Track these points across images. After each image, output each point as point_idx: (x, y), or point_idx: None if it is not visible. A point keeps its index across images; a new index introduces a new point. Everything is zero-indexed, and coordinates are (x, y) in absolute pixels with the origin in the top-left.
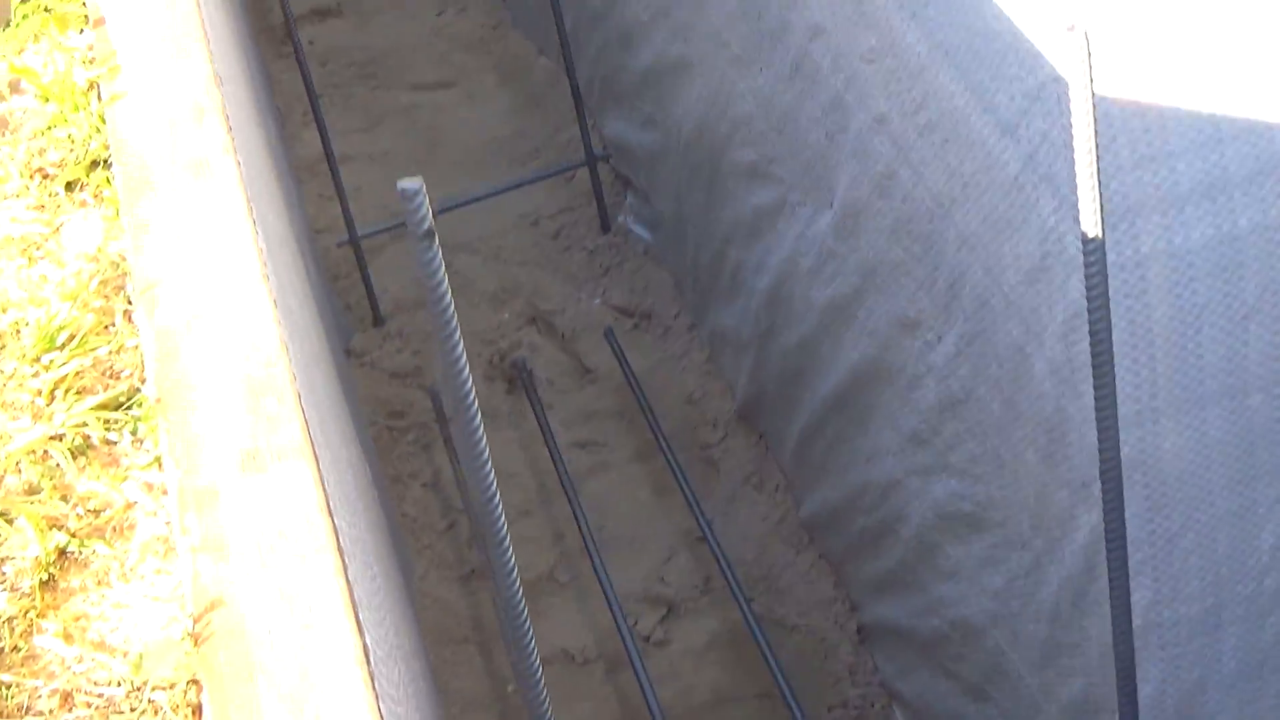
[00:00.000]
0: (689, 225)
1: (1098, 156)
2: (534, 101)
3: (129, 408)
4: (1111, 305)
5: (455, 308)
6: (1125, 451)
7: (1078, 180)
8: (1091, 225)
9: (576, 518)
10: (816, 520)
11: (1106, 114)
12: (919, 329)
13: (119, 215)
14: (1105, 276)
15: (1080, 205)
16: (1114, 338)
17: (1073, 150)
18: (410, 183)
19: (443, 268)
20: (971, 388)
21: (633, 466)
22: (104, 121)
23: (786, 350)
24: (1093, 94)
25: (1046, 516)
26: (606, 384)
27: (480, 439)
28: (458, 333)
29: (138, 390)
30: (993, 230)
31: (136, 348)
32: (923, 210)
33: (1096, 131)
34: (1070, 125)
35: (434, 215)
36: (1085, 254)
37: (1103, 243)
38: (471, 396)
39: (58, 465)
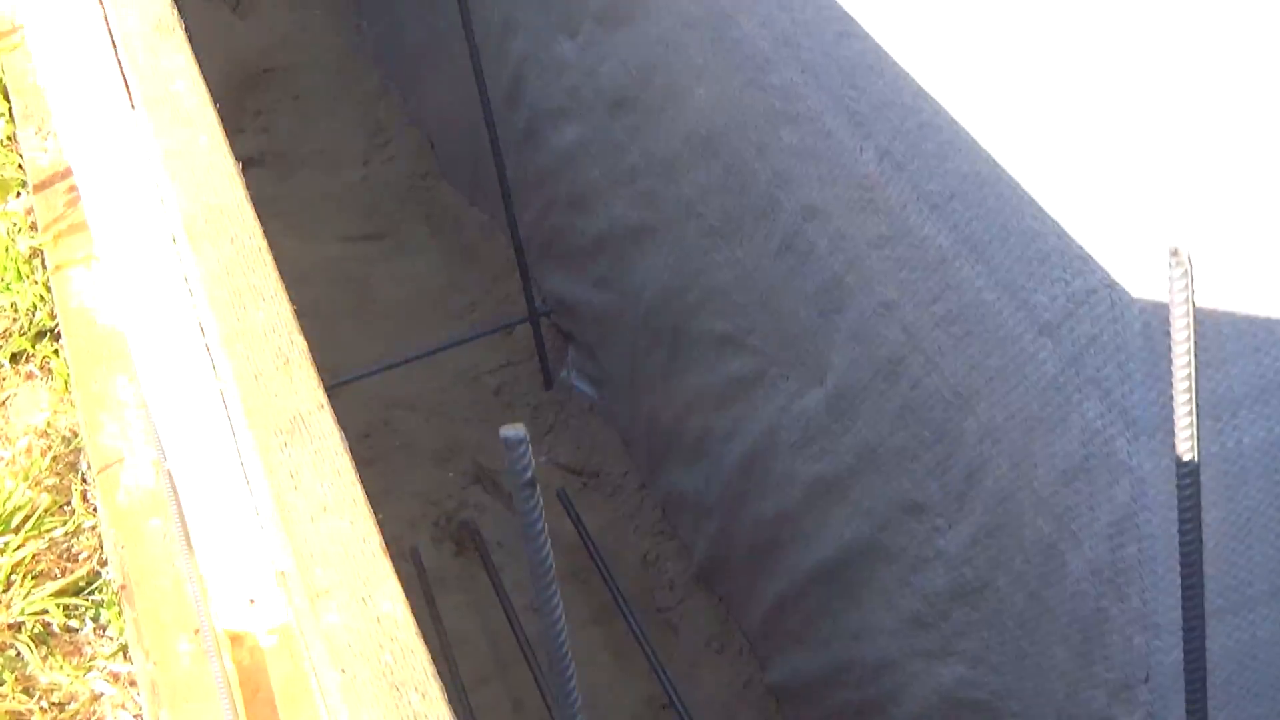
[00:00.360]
0: (644, 387)
1: (1196, 384)
2: (468, 254)
3: (90, 593)
4: (1159, 511)
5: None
6: (1173, 656)
7: (1176, 407)
8: (1187, 450)
9: (538, 684)
10: (787, 688)
11: (1163, 322)
12: (925, 513)
13: (69, 389)
14: (1199, 500)
15: (1177, 431)
16: (1163, 540)
17: (1125, 355)
18: (513, 431)
19: (543, 517)
20: (990, 578)
21: (591, 630)
22: (49, 290)
23: (760, 519)
24: (1194, 319)
25: (1079, 715)
26: (558, 544)
27: (573, 690)
28: (553, 575)
29: (98, 574)
30: (1022, 427)
31: (94, 528)
32: (936, 399)
33: (1196, 356)
34: (1123, 330)
35: (371, 375)
36: (1180, 477)
37: (1198, 467)
38: (567, 655)
39: (19, 655)
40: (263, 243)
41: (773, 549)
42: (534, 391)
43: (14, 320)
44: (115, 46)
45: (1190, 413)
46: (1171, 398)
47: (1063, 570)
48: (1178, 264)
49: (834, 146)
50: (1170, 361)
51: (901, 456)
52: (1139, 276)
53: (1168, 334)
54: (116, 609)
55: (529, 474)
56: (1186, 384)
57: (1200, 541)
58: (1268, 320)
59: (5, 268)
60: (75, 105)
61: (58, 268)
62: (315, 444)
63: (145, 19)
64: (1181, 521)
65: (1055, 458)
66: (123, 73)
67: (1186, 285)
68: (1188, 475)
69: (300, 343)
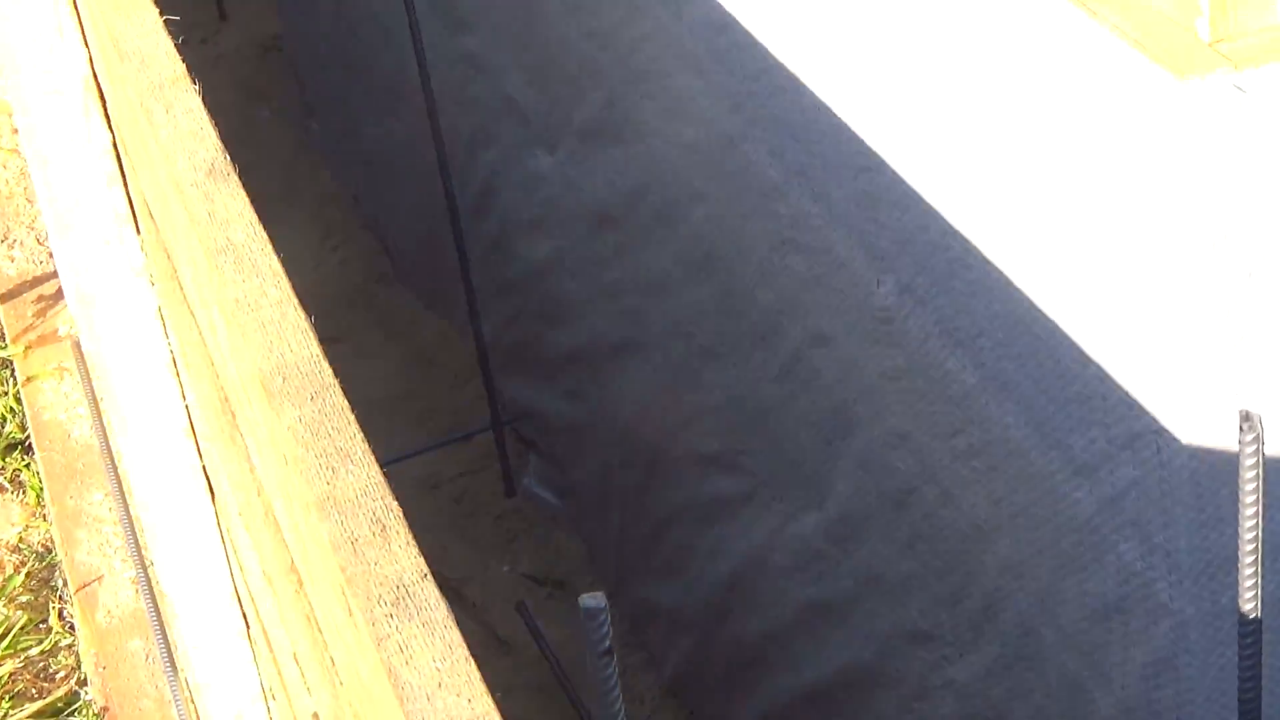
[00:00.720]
0: (616, 499)
1: (1261, 537)
2: (425, 359)
3: (69, 714)
4: (1200, 655)
5: None
6: None
7: (1241, 566)
8: (1251, 608)
9: None
10: None
11: (1212, 468)
12: (933, 642)
13: (41, 503)
14: (1260, 654)
15: (1240, 590)
16: (1203, 684)
17: (1170, 500)
18: (593, 600)
19: (619, 685)
20: (1006, 710)
21: None
22: (19, 403)
23: (744, 638)
24: (1263, 481)
25: None
26: (523, 656)
27: None
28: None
29: (77, 695)
30: (1050, 564)
31: (72, 647)
32: (951, 530)
33: (1264, 516)
34: (1169, 476)
35: None
36: (1241, 634)
37: (1259, 622)
38: None
39: None
40: (344, 401)
41: (757, 668)
42: (496, 500)
43: None
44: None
45: (1255, 571)
46: (1218, 544)
47: (1090, 707)
48: (1249, 429)
49: (848, 277)
50: (1216, 507)
51: (909, 585)
52: (1188, 423)
53: (1218, 481)
54: None
55: (607, 643)
56: (1253, 544)
57: (1260, 698)
58: None
59: None
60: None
61: (29, 379)
62: (423, 615)
63: (197, 164)
64: (1242, 680)
65: (1086, 596)
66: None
67: (1257, 449)
68: (1250, 632)
69: (395, 508)
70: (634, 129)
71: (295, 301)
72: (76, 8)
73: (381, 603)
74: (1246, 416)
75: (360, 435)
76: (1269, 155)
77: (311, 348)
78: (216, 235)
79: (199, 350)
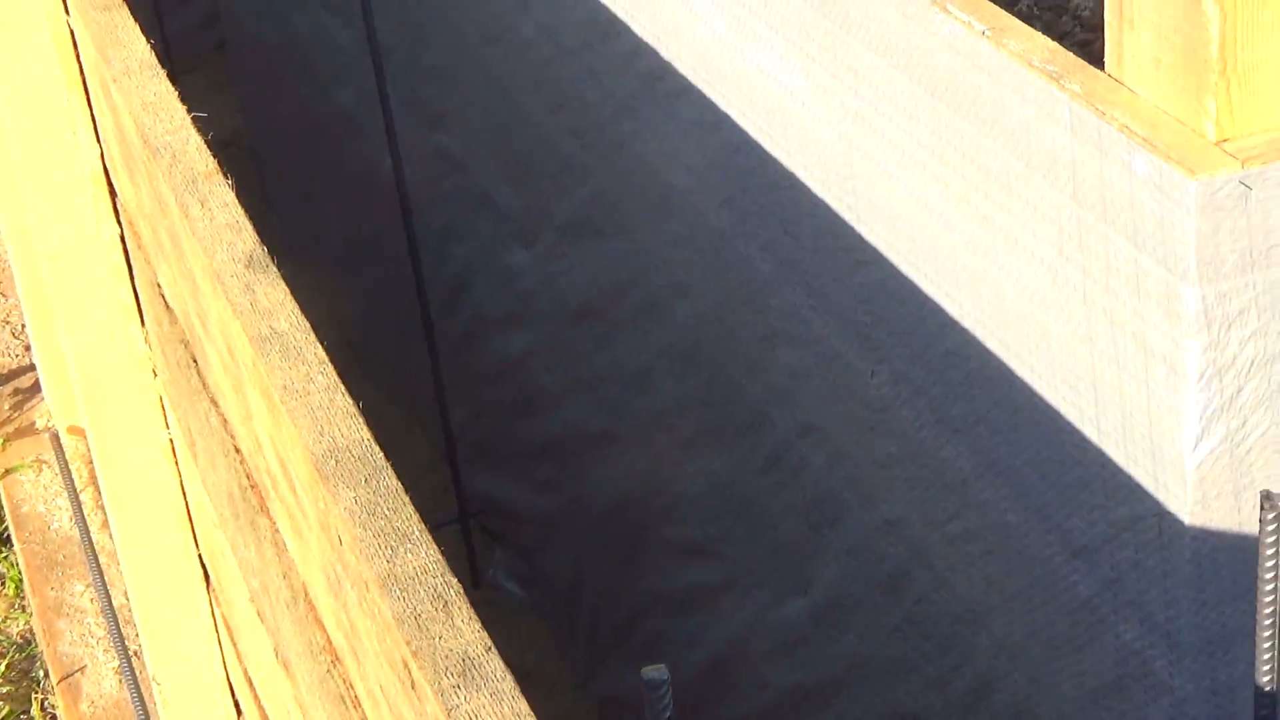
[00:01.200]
0: (588, 590)
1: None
2: (386, 452)
3: None
4: None
5: None
6: None
7: (1259, 641)
8: (1269, 679)
9: None
10: None
11: (1214, 550)
12: None
13: (20, 594)
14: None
15: (1257, 664)
16: None
17: (1171, 581)
18: (655, 673)
19: None
20: None
21: None
22: None
23: None
24: None
25: None
26: None
27: None
28: None
29: None
30: (1046, 646)
31: None
32: (943, 614)
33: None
34: (1171, 557)
35: None
36: (1257, 707)
37: (1276, 695)
38: None
39: None
40: (398, 484)
41: None
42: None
43: None
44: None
45: (1274, 645)
46: (1218, 623)
47: None
48: (1271, 507)
49: (840, 368)
50: (1218, 587)
51: (898, 668)
52: (1190, 507)
53: (1218, 563)
54: None
55: (668, 714)
56: (1271, 620)
57: None
58: None
59: None
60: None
61: (6, 472)
62: (490, 686)
63: (236, 256)
64: None
65: (1084, 675)
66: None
67: (1278, 527)
68: (1265, 704)
69: (455, 584)
70: (618, 224)
71: (343, 388)
72: (90, 106)
73: (449, 674)
74: (1268, 495)
75: (417, 517)
76: (1271, 247)
77: (362, 431)
78: (260, 324)
79: (216, 438)
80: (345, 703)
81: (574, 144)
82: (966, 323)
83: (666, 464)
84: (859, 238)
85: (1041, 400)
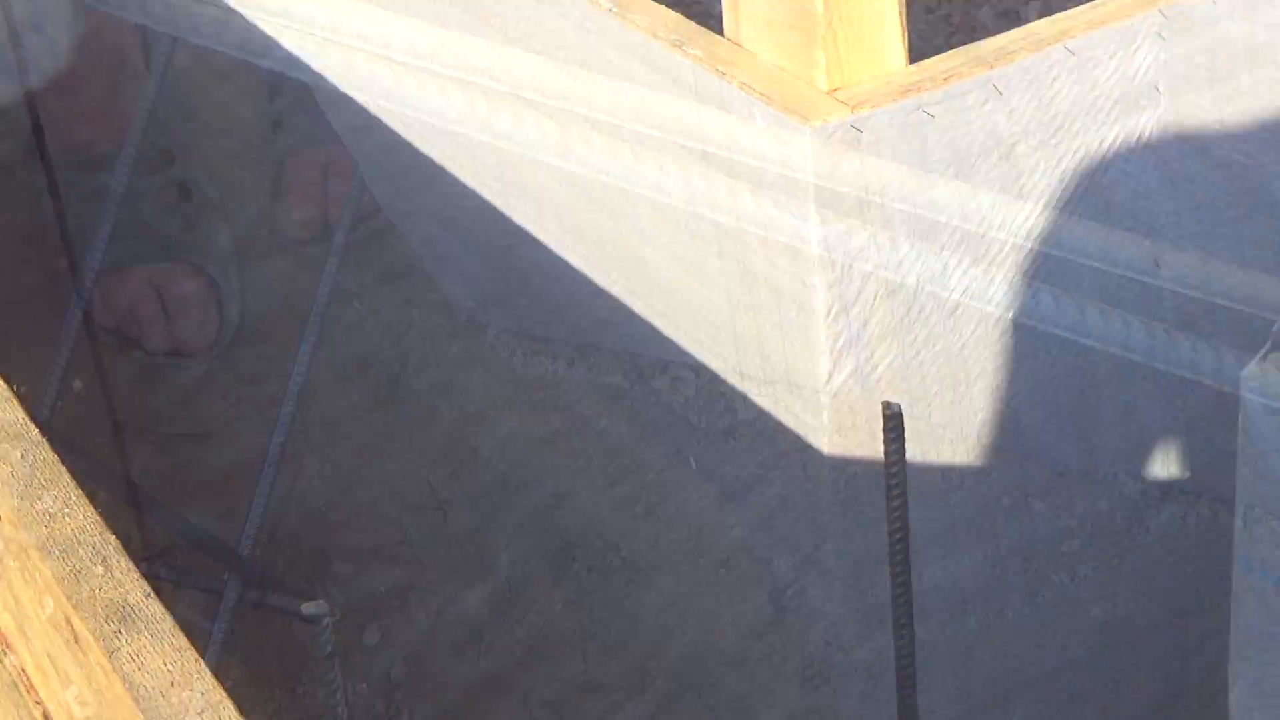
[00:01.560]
0: None
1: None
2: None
3: None
4: (855, 649)
5: None
6: None
7: (890, 551)
8: (899, 589)
9: None
10: None
11: (852, 474)
12: (602, 691)
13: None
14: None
15: (890, 572)
16: (855, 680)
17: (817, 510)
18: (314, 608)
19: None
20: None
21: None
22: None
23: None
24: (905, 467)
25: None
26: None
27: None
28: None
29: None
30: (711, 593)
31: None
32: (614, 579)
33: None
34: (814, 489)
35: None
36: (895, 616)
37: (907, 595)
38: None
39: None
40: (53, 455)
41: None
42: None
43: None
44: None
45: (901, 548)
46: (864, 547)
47: None
48: (890, 415)
49: (501, 352)
50: (861, 513)
51: (576, 640)
52: (829, 438)
53: (858, 488)
54: None
55: (330, 649)
56: (899, 525)
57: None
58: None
59: None
60: None
61: None
62: (151, 627)
63: None
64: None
65: (746, 615)
66: None
67: (897, 435)
68: (902, 609)
69: (113, 540)
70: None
71: None
72: None
73: (110, 621)
74: (887, 405)
75: (74, 483)
76: (884, 185)
77: (17, 412)
78: None
79: None
80: (19, 689)
81: None
82: (616, 291)
83: (345, 474)
84: (509, 221)
85: (690, 357)
